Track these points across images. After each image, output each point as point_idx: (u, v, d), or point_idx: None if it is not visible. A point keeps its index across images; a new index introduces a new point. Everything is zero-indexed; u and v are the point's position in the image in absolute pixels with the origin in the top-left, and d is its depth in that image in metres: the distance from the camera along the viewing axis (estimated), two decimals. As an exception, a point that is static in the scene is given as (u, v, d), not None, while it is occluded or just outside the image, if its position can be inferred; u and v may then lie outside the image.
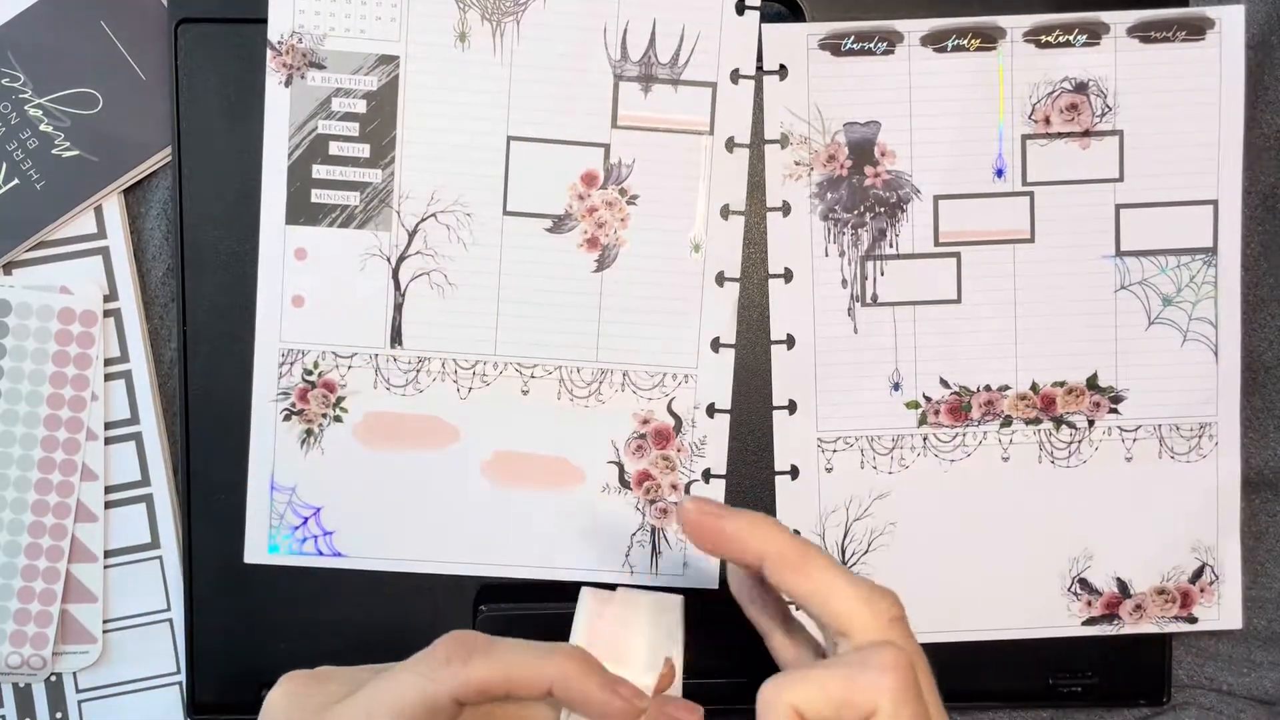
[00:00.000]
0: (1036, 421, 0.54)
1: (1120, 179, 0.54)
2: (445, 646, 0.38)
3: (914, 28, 0.53)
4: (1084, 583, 0.55)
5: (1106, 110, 0.53)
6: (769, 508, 0.54)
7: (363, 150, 0.53)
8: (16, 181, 0.53)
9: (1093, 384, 0.54)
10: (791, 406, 0.54)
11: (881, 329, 0.54)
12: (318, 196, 0.53)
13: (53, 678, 0.54)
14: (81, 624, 0.54)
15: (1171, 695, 0.56)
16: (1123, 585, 0.55)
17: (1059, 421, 0.54)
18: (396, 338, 0.53)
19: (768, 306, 0.54)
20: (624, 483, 0.54)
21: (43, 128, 0.53)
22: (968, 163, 0.53)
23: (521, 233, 0.53)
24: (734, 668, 0.56)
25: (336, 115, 0.52)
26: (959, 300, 0.54)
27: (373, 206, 0.53)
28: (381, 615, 0.54)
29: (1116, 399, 0.54)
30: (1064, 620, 0.55)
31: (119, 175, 0.54)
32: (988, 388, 0.54)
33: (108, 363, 0.54)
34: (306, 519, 0.54)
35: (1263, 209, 0.56)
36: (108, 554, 0.54)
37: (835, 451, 0.54)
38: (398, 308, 0.53)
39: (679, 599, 0.42)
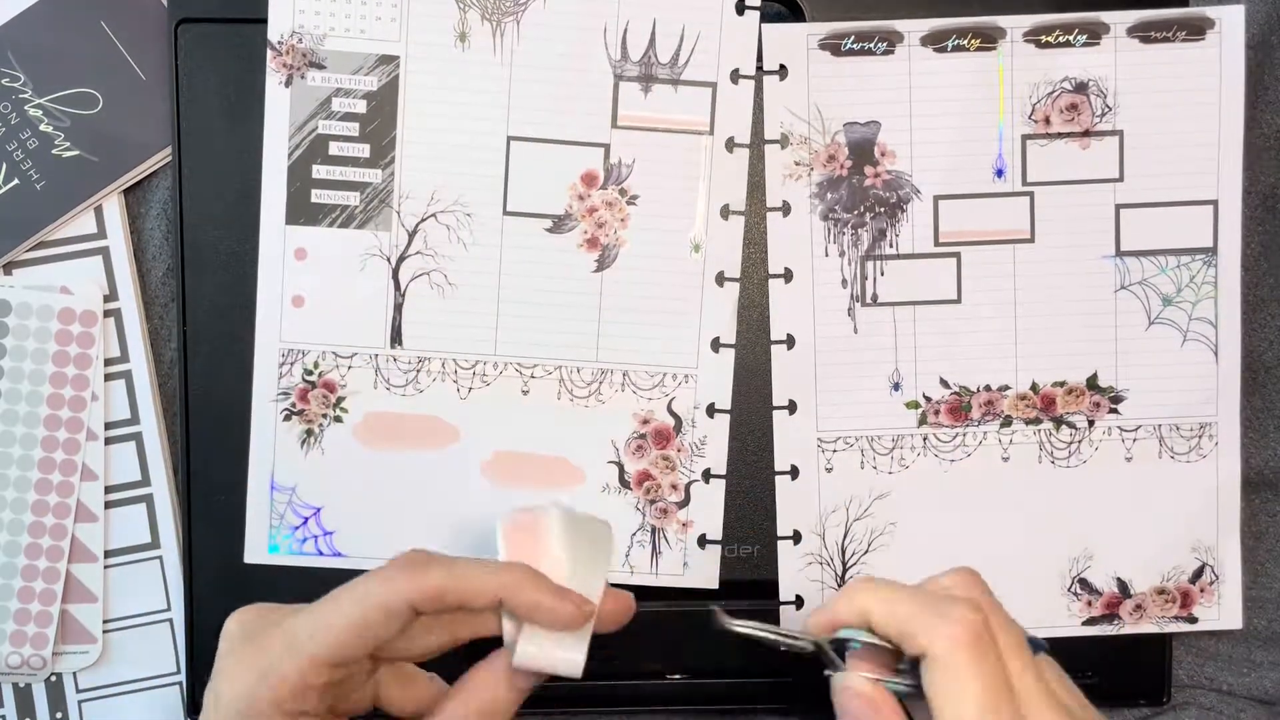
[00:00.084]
0: (1036, 421, 0.54)
1: (1120, 179, 0.54)
2: (403, 557, 0.40)
3: (914, 28, 0.53)
4: (1084, 583, 0.55)
5: (1106, 110, 0.53)
6: (769, 508, 0.54)
7: (363, 150, 0.53)
8: (16, 181, 0.53)
9: (1093, 384, 0.54)
10: (791, 406, 0.54)
11: (881, 329, 0.54)
12: (318, 196, 0.53)
13: (53, 678, 0.54)
14: (81, 624, 0.54)
15: (1171, 695, 0.56)
16: (1123, 585, 0.55)
17: (1059, 421, 0.54)
18: (396, 338, 0.53)
19: (768, 306, 0.54)
20: (624, 483, 0.54)
21: (43, 128, 0.53)
22: (968, 163, 0.53)
23: (521, 233, 0.53)
24: (738, 669, 0.56)
25: (336, 115, 0.52)
26: (959, 300, 0.54)
27: (373, 206, 0.53)
28: (381, 615, 0.54)
29: (1116, 399, 0.54)
30: (1064, 620, 0.55)
31: (119, 175, 0.54)
32: (988, 388, 0.54)
33: (108, 363, 0.54)
34: (307, 519, 0.54)
35: (1263, 209, 0.56)
36: (108, 554, 0.54)
37: (835, 451, 0.54)
38: (398, 308, 0.53)
39: (608, 526, 0.44)
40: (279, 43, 0.52)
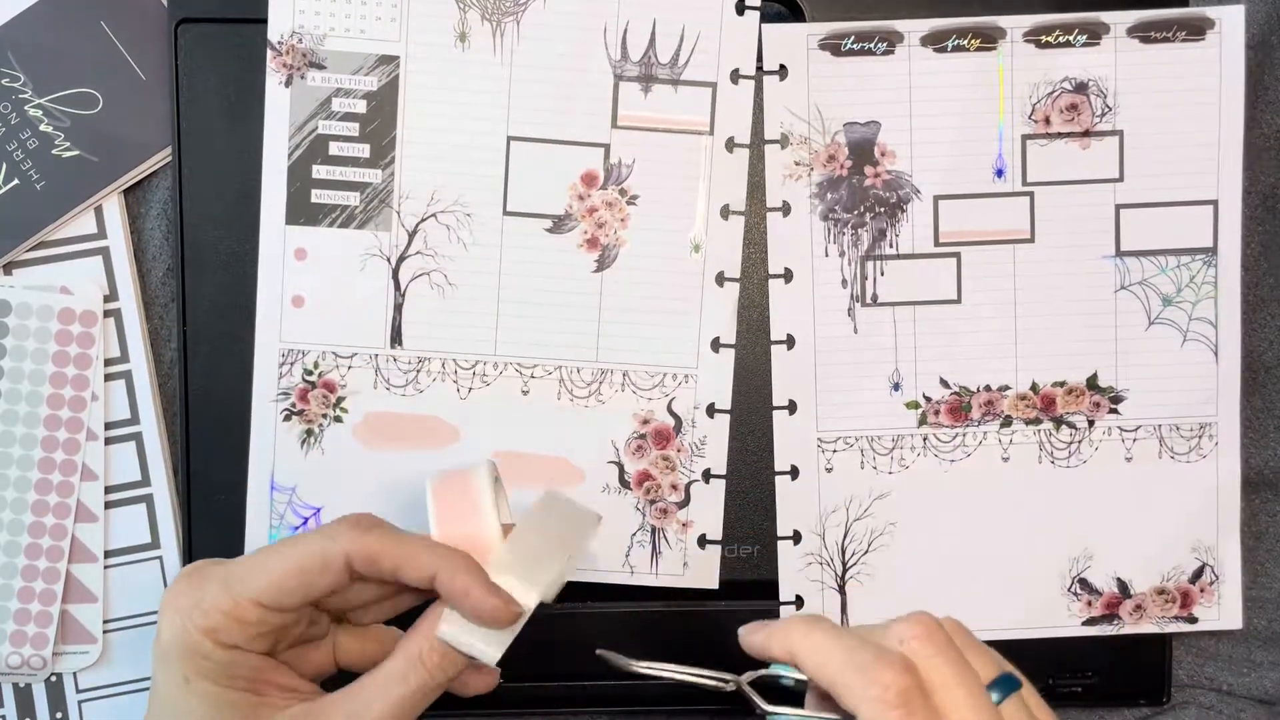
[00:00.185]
0: (1036, 422, 0.54)
1: (1120, 179, 0.54)
2: (351, 517, 0.42)
3: (914, 28, 0.53)
4: (1084, 583, 0.55)
5: (1106, 110, 0.53)
6: (769, 508, 0.54)
7: (363, 150, 0.53)
8: (16, 181, 0.53)
9: (1093, 384, 0.54)
10: (791, 406, 0.54)
11: (881, 329, 0.54)
12: (318, 196, 0.53)
13: (53, 678, 0.54)
14: (81, 624, 0.54)
15: (1171, 695, 0.56)
16: (1123, 585, 0.55)
17: (1059, 421, 0.54)
18: (396, 338, 0.53)
19: (768, 306, 0.54)
20: (624, 483, 0.54)
21: (43, 128, 0.53)
22: (968, 163, 0.53)
23: (521, 233, 0.53)
24: (739, 670, 0.56)
25: (336, 115, 0.52)
26: (959, 300, 0.54)
27: (373, 206, 0.53)
28: (381, 615, 0.54)
29: (1116, 399, 0.54)
30: (1064, 620, 0.55)
31: (119, 175, 0.54)
32: (988, 388, 0.54)
33: (108, 363, 0.54)
34: (306, 519, 0.54)
35: (1263, 209, 0.56)
36: (108, 554, 0.54)
37: (835, 451, 0.54)
38: (398, 308, 0.53)
39: (596, 518, 0.44)
40: (279, 43, 0.52)
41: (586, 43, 0.53)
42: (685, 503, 0.54)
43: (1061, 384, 0.54)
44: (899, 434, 0.54)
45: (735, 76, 0.53)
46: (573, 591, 0.52)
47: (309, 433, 0.53)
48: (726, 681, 0.40)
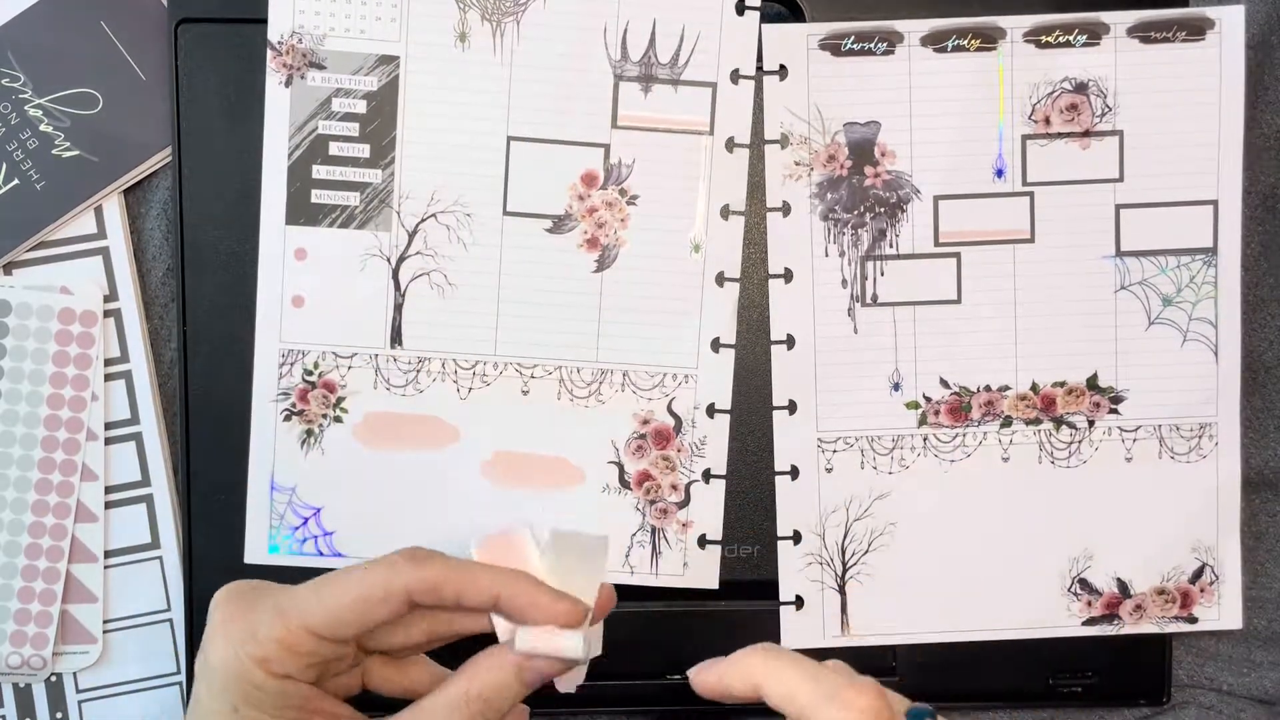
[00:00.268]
0: (1036, 422, 0.54)
1: (1120, 179, 0.54)
2: (406, 550, 0.41)
3: (914, 28, 0.53)
4: (1084, 583, 0.55)
5: (1106, 110, 0.53)
6: (769, 508, 0.54)
7: (363, 150, 0.53)
8: (16, 181, 0.53)
9: (1093, 384, 0.54)
10: (791, 406, 0.54)
11: (881, 329, 0.54)
12: (318, 197, 0.53)
13: (53, 678, 0.54)
14: (81, 624, 0.54)
15: (1171, 695, 0.56)
16: (1123, 585, 0.55)
17: (1059, 422, 0.54)
18: (396, 338, 0.53)
19: (768, 306, 0.54)
20: (624, 483, 0.54)
21: (43, 128, 0.53)
22: (968, 163, 0.53)
23: (521, 233, 0.53)
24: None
25: (336, 115, 0.52)
26: (959, 300, 0.54)
27: (373, 207, 0.53)
28: (381, 615, 0.54)
29: (1116, 399, 0.54)
30: (1064, 620, 0.55)
31: (119, 175, 0.54)
32: (988, 388, 0.54)
33: (108, 363, 0.54)
34: (307, 519, 0.54)
35: (1263, 209, 0.56)
36: (108, 554, 0.54)
37: (835, 452, 0.54)
38: (398, 308, 0.53)
39: (605, 539, 0.43)
40: (279, 43, 0.52)
41: (586, 43, 0.53)
42: (685, 503, 0.54)
43: (1061, 384, 0.54)
44: (899, 434, 0.54)
45: (735, 76, 0.53)
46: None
47: (309, 433, 0.53)
48: None
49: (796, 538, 0.54)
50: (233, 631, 0.40)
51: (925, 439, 0.54)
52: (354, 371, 0.53)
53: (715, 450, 0.54)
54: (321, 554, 0.54)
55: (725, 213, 0.53)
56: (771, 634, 0.54)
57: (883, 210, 0.54)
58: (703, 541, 0.54)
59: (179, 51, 0.52)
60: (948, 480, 0.54)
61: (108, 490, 0.54)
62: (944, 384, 0.54)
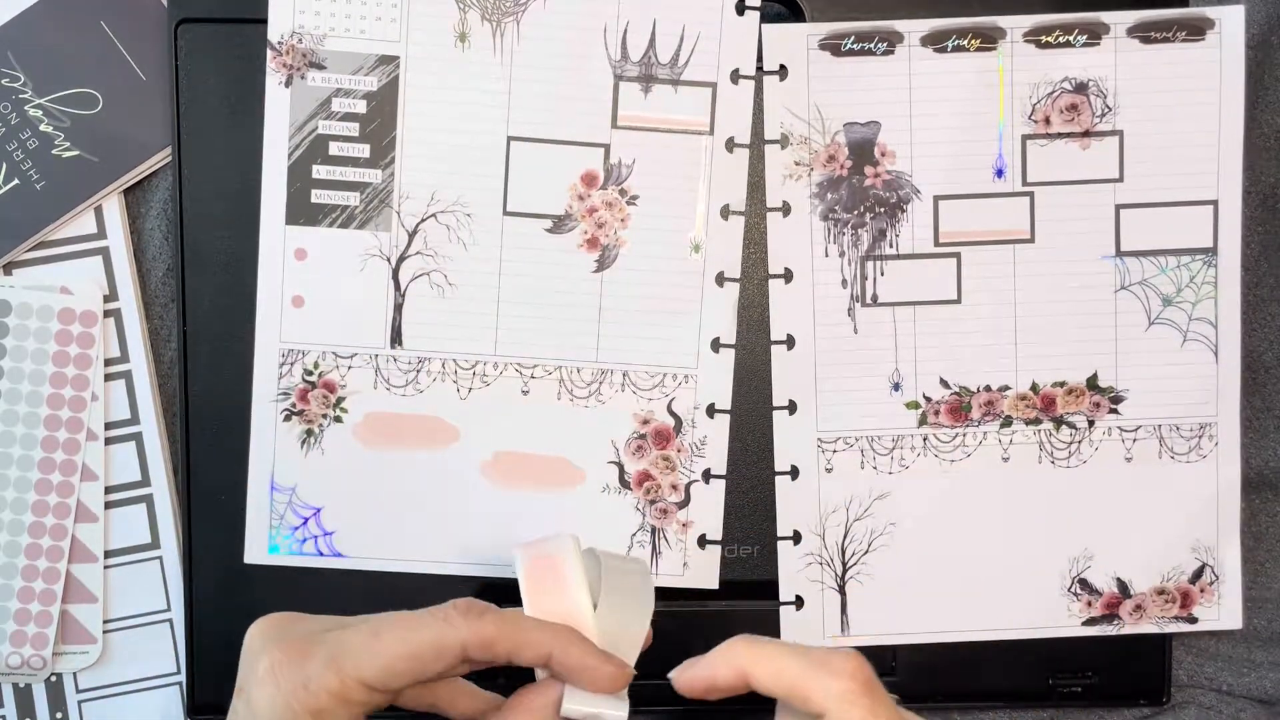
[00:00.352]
0: (1036, 422, 0.54)
1: (1120, 179, 0.54)
2: (461, 602, 0.40)
3: (914, 28, 0.53)
4: (1084, 583, 0.55)
5: (1106, 110, 0.53)
6: (769, 508, 0.54)
7: (363, 150, 0.53)
8: (16, 181, 0.53)
9: (1093, 384, 0.54)
10: (791, 406, 0.54)
11: (881, 329, 0.54)
12: (318, 197, 0.53)
13: (53, 678, 0.54)
14: (81, 624, 0.54)
15: (1171, 695, 0.56)
16: (1123, 585, 0.55)
17: (1059, 422, 0.54)
18: (396, 338, 0.53)
19: (768, 306, 0.54)
20: (624, 483, 0.54)
21: (43, 128, 0.53)
22: (968, 163, 0.53)
23: (521, 233, 0.53)
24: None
25: (336, 115, 0.52)
26: (959, 300, 0.54)
27: (373, 207, 0.53)
28: (381, 615, 0.54)
29: (1116, 399, 0.54)
30: (1064, 620, 0.55)
31: (119, 175, 0.54)
32: (988, 388, 0.54)
33: (108, 363, 0.54)
34: (306, 519, 0.54)
35: (1263, 209, 0.56)
36: (108, 554, 0.54)
37: (835, 452, 0.54)
38: (398, 308, 0.53)
39: (650, 576, 0.44)
40: (279, 43, 0.52)
41: (586, 43, 0.53)
42: (685, 503, 0.54)
43: (1061, 384, 0.54)
44: (899, 434, 0.54)
45: (735, 76, 0.53)
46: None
47: (309, 433, 0.53)
48: None
49: (796, 538, 0.54)
50: (283, 680, 0.39)
51: (925, 439, 0.54)
52: (354, 371, 0.53)
53: (715, 450, 0.54)
54: (321, 554, 0.54)
55: (725, 213, 0.53)
56: (771, 634, 0.54)
57: (883, 210, 0.54)
58: (703, 541, 0.54)
59: (179, 51, 0.52)
60: (948, 480, 0.54)
61: (108, 490, 0.54)
62: (944, 384, 0.54)
